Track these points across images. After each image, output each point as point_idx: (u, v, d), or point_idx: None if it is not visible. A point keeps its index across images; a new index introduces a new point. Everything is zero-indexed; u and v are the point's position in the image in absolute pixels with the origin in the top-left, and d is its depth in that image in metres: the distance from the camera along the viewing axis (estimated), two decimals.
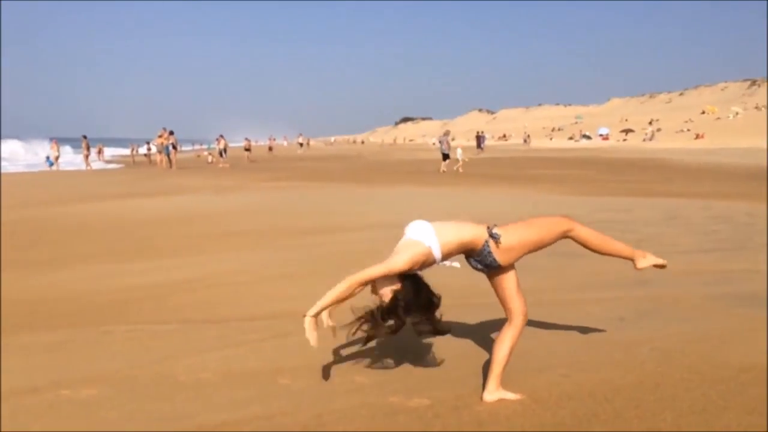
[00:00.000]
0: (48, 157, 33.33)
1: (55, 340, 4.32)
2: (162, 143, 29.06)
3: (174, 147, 29.45)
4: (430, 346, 3.96)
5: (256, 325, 4.61)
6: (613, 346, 3.98)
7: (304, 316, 3.03)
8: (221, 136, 33.23)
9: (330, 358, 3.86)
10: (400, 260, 3.11)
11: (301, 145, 57.66)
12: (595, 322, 4.51)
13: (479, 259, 3.25)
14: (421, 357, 3.79)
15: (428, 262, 3.21)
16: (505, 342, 3.26)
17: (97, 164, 34.68)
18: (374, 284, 3.14)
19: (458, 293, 5.60)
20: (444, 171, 24.26)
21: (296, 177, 21.74)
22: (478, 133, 52.68)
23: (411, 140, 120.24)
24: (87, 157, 30.70)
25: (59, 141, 34.81)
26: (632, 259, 3.66)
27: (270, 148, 48.58)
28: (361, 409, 3.10)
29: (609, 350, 3.91)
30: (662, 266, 3.70)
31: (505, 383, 3.24)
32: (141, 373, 3.67)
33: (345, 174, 23.96)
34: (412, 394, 3.27)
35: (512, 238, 3.23)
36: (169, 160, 28.80)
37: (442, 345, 4.11)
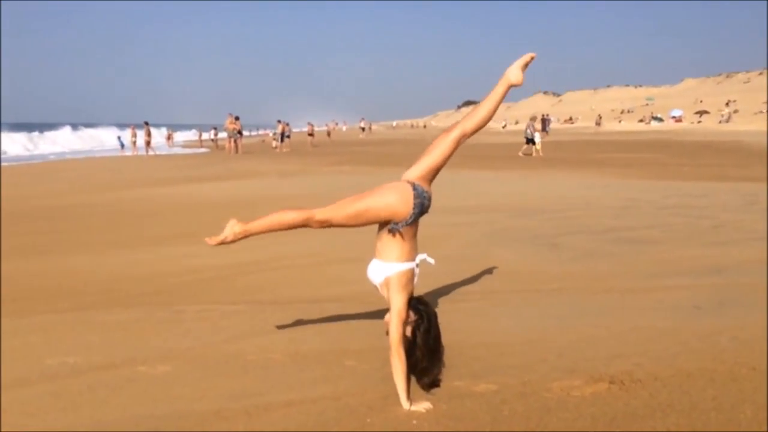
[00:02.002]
0: (119, 137, 36.21)
1: (131, 317, 4.50)
2: (233, 128, 29.75)
3: (240, 132, 30.12)
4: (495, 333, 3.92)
5: (322, 307, 4.67)
6: (689, 335, 3.84)
7: (406, 409, 2.93)
8: (279, 121, 34.06)
9: None
10: (396, 300, 3.10)
11: (363, 129, 57.91)
12: (668, 311, 4.36)
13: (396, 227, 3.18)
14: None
15: (411, 276, 3.22)
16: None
17: (165, 150, 35.89)
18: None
19: (525, 278, 5.52)
20: (524, 154, 24.21)
21: (359, 161, 21.86)
22: (543, 116, 51.57)
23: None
24: (148, 143, 31.73)
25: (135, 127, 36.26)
26: (508, 86, 3.40)
27: (328, 133, 49.00)
28: (427, 392, 3.10)
29: (684, 339, 3.77)
30: (529, 60, 3.37)
31: (573, 371, 3.18)
32: (212, 351, 3.78)
33: (407, 158, 23.76)
34: (479, 379, 3.25)
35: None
36: (236, 145, 29.47)
37: (508, 331, 4.07)
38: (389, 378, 3.28)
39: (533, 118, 27.57)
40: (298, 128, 56.28)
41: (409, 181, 3.26)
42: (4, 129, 43.11)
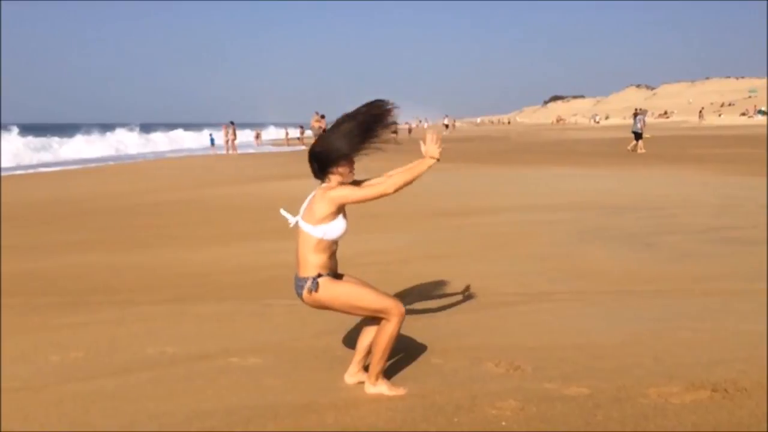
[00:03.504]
0: (210, 135, 38.56)
1: (224, 310, 4.68)
2: (318, 127, 30.37)
3: (325, 130, 30.69)
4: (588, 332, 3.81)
5: (406, 305, 4.68)
6: None
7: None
8: None
9: (483, 340, 3.85)
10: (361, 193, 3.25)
11: (447, 126, 57.64)
12: None
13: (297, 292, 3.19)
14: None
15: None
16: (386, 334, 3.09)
17: (252, 149, 37.10)
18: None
19: (618, 279, 5.34)
20: (632, 150, 23.36)
21: (442, 159, 21.73)
22: (636, 110, 49.55)
23: (569, 119, 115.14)
24: (233, 141, 32.73)
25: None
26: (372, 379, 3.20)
27: (409, 131, 49.00)
28: (516, 393, 3.05)
29: None
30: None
31: (671, 376, 3.04)
32: (301, 345, 3.88)
33: (491, 155, 23.63)
34: (570, 382, 3.16)
35: (330, 296, 3.12)
36: None
37: (601, 333, 3.94)
38: (478, 378, 3.27)
39: (642, 111, 26.34)
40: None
41: None
42: (121, 128, 46.32)
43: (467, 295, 4.93)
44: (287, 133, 47.98)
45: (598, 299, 4.73)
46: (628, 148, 23.96)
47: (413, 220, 8.88)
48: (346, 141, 3.12)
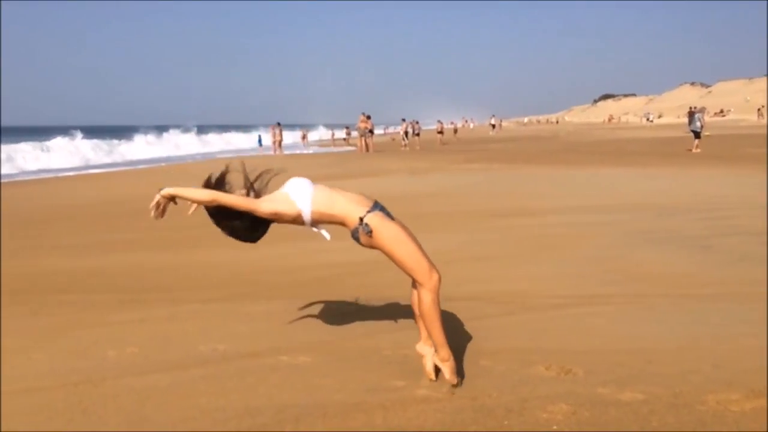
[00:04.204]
0: (259, 136, 39.63)
1: (273, 309, 4.75)
2: (364, 127, 30.56)
3: (371, 131, 30.84)
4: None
5: (453, 306, 4.67)
6: None
7: (160, 189, 3.23)
8: (404, 119, 34.99)
9: (533, 343, 3.80)
10: (265, 207, 3.15)
11: (494, 126, 57.12)
12: None
13: (352, 233, 3.17)
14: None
15: (297, 221, 3.22)
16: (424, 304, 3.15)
17: (298, 150, 37.56)
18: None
19: (673, 282, 5.21)
20: (695, 151, 22.60)
21: (489, 159, 21.62)
22: (690, 108, 48.13)
23: (620, 118, 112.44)
24: (280, 142, 33.14)
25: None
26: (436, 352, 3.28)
27: (455, 131, 48.77)
28: (569, 398, 3.00)
29: None
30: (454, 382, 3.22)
31: (730, 383, 2.94)
32: (349, 345, 3.90)
33: (539, 155, 23.32)
34: (624, 387, 3.10)
35: (383, 236, 3.11)
36: (367, 144, 30.20)
37: (656, 338, 3.86)
38: (528, 381, 3.24)
39: (701, 109, 25.45)
40: (427, 126, 56.67)
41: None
42: (175, 130, 47.99)
43: (516, 297, 4.88)
44: (333, 134, 48.48)
45: (653, 303, 4.62)
46: (693, 149, 23.03)
47: (460, 220, 8.84)
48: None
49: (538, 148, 29.46)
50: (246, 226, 3.31)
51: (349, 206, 3.19)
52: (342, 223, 3.24)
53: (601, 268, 5.72)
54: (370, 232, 3.11)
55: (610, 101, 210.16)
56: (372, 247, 3.21)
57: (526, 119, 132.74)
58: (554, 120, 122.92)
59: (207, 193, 3.20)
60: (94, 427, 2.91)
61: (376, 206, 3.22)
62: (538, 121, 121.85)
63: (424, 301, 3.17)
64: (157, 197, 3.27)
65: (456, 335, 4.00)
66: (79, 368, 3.64)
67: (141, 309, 4.89)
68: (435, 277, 3.18)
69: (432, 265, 3.21)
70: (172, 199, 3.25)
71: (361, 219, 3.13)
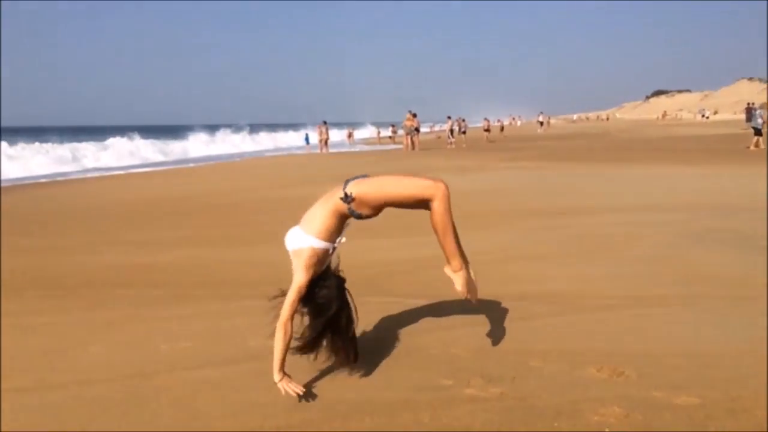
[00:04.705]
0: (306, 134, 40.33)
1: None
2: (410, 125, 30.54)
3: (417, 129, 30.80)
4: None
5: (503, 305, 4.62)
6: None
7: (275, 383, 3.09)
8: (449, 117, 34.98)
9: (584, 345, 3.73)
10: (299, 276, 3.15)
11: (541, 123, 56.32)
12: None
13: (351, 215, 3.18)
14: None
15: (323, 257, 3.19)
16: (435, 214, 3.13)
17: (344, 148, 37.83)
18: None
19: (731, 284, 5.03)
20: (754, 147, 21.89)
21: (537, 157, 21.32)
22: (749, 104, 46.46)
23: (674, 114, 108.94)
24: (326, 141, 33.36)
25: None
26: (448, 263, 3.30)
27: (501, 128, 48.25)
28: (622, 401, 2.93)
29: None
30: (464, 295, 3.33)
31: None
32: (397, 343, 3.90)
33: (589, 153, 22.88)
34: (680, 391, 3.01)
35: (367, 192, 3.12)
36: (412, 142, 30.18)
37: (713, 341, 3.73)
38: (579, 383, 3.17)
39: (761, 105, 24.70)
40: (474, 124, 56.29)
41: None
42: (226, 129, 49.43)
43: (567, 297, 4.80)
44: (379, 132, 48.61)
45: (710, 305, 4.47)
46: (750, 146, 22.21)
47: (510, 219, 8.74)
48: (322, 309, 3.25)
49: (588, 145, 28.91)
50: (317, 303, 3.27)
51: (329, 202, 3.23)
52: (343, 220, 3.27)
53: (655, 268, 5.57)
54: (353, 199, 3.13)
55: (663, 97, 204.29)
56: (375, 209, 3.21)
57: (575, 116, 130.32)
58: (604, 117, 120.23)
59: (279, 332, 3.14)
60: (148, 419, 2.99)
61: (347, 181, 3.24)
62: (587, 118, 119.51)
63: (436, 210, 3.15)
64: (282, 386, 3.15)
65: (505, 334, 3.96)
66: (133, 361, 3.74)
67: (193, 304, 5.01)
68: (441, 186, 3.16)
69: (435, 179, 3.21)
70: (283, 374, 3.15)
71: (342, 198, 3.15)
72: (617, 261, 5.98)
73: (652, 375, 3.23)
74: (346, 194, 3.16)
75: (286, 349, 3.10)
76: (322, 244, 3.20)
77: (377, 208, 3.24)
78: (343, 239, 3.35)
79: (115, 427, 2.93)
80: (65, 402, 3.20)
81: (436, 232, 3.21)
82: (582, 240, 7.03)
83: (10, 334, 4.33)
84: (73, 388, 3.37)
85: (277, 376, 3.09)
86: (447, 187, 3.19)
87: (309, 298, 3.21)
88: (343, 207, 3.19)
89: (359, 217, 3.22)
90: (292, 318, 3.15)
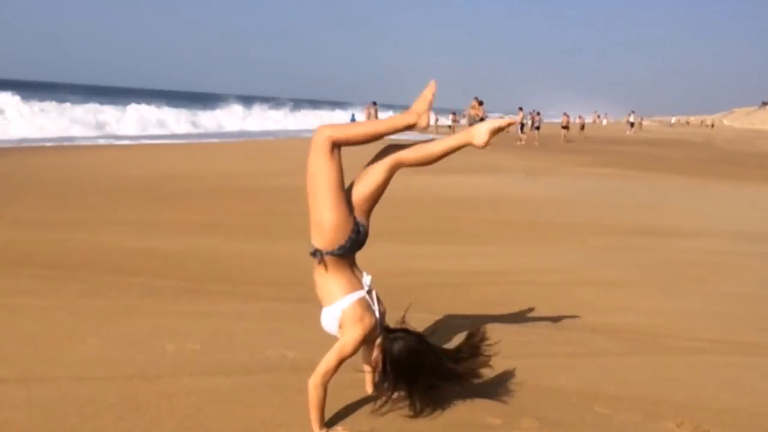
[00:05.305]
0: (353, 114, 42.10)
1: None
2: (475, 114, 30.38)
3: (482, 119, 30.63)
4: None
5: (568, 337, 4.57)
6: None
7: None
8: (521, 108, 34.35)
9: (662, 392, 3.66)
10: (349, 335, 3.13)
11: (632, 125, 55.31)
12: None
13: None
14: None
15: (363, 306, 3.19)
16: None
17: (394, 135, 37.90)
18: (365, 354, 3.35)
19: None
20: None
21: (622, 163, 20.97)
22: None
23: None
24: None
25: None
26: (468, 143, 3.42)
27: (582, 127, 47.53)
28: None
29: None
30: (505, 126, 3.45)
31: None
32: None
33: (686, 165, 22.39)
34: None
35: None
36: None
37: None
38: None
39: None
40: (549, 119, 55.67)
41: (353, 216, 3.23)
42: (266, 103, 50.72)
43: (645, 333, 4.71)
44: (437, 119, 48.43)
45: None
46: None
47: (583, 235, 8.62)
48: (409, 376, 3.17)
49: (686, 155, 28.29)
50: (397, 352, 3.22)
51: (319, 274, 3.26)
52: (349, 262, 3.28)
53: (759, 310, 5.43)
54: (321, 253, 3.16)
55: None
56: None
57: (673, 119, 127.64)
58: (709, 123, 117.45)
59: (314, 392, 3.07)
60: (145, 427, 3.04)
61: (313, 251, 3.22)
62: (688, 123, 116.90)
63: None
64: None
65: (567, 372, 3.90)
66: (134, 360, 3.82)
67: (206, 301, 5.09)
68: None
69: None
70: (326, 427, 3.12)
71: (312, 253, 3.20)
72: (708, 296, 5.84)
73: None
74: (315, 250, 3.17)
75: (322, 407, 3.09)
76: (351, 297, 3.20)
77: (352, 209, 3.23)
78: (369, 278, 3.37)
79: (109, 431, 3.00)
80: (55, 398, 3.28)
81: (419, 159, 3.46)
82: (667, 267, 6.89)
83: None
84: (65, 383, 3.46)
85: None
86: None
87: (394, 364, 3.17)
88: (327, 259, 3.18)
89: (320, 254, 3.20)
90: (329, 375, 3.12)
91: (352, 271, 3.29)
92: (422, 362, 3.16)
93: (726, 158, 27.49)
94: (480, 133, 3.39)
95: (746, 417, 3.38)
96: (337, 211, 3.10)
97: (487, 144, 3.40)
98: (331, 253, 3.14)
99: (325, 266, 3.17)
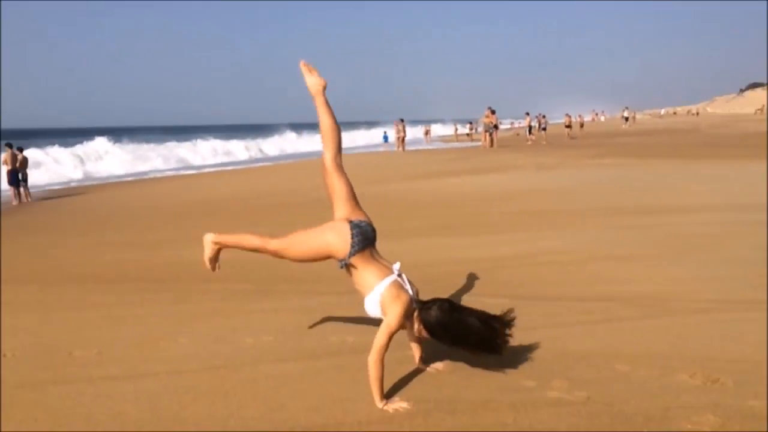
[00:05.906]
0: (385, 132, 41.57)
1: None
2: (488, 122, 30.15)
3: (496, 126, 30.37)
4: None
5: (587, 306, 4.50)
6: None
7: (380, 408, 3.02)
8: (528, 113, 34.50)
9: (675, 349, 3.58)
10: (392, 313, 3.14)
11: (626, 119, 54.32)
12: None
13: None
14: None
15: (397, 289, 3.20)
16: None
17: (421, 145, 37.85)
18: (410, 333, 3.36)
19: None
20: None
21: (621, 153, 20.60)
22: None
23: None
24: (403, 138, 33.28)
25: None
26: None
27: (581, 125, 46.75)
28: (717, 409, 2.80)
29: None
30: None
31: None
32: None
33: (676, 150, 21.89)
34: None
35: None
36: (491, 139, 29.79)
37: None
38: (669, 389, 3.05)
39: None
40: (554, 121, 54.99)
41: (345, 219, 3.37)
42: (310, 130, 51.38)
43: (657, 299, 4.62)
44: (456, 129, 48.27)
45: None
46: None
47: (593, 217, 8.49)
48: (453, 331, 3.16)
49: (677, 141, 27.67)
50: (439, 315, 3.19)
51: (354, 273, 3.35)
52: (370, 257, 3.36)
53: (752, 271, 5.27)
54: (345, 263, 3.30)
55: (759, 90, 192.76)
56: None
57: (663, 111, 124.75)
58: (695, 111, 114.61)
59: (374, 368, 3.07)
60: (234, 410, 3.08)
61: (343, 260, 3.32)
62: (675, 113, 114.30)
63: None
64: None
65: (590, 337, 3.85)
66: (220, 353, 3.88)
67: (275, 300, 5.14)
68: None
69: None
70: (385, 399, 3.11)
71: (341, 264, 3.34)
72: (711, 262, 5.70)
73: (749, 383, 3.07)
74: (340, 262, 3.33)
75: (382, 379, 3.09)
76: (384, 283, 3.23)
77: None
78: (398, 264, 3.38)
79: (205, 416, 3.04)
80: (157, 390, 3.35)
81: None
82: (671, 240, 6.74)
83: (106, 325, 4.59)
84: (165, 377, 3.53)
85: (380, 404, 3.07)
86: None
87: (437, 327, 3.16)
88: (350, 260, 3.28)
89: (343, 263, 3.31)
90: (384, 350, 3.10)
91: (379, 262, 3.37)
92: (459, 318, 3.16)
93: (712, 141, 26.80)
94: (309, 83, 3.67)
95: (751, 365, 3.30)
96: (327, 233, 3.38)
97: (319, 82, 3.68)
98: (350, 256, 3.25)
99: (354, 267, 3.28)
